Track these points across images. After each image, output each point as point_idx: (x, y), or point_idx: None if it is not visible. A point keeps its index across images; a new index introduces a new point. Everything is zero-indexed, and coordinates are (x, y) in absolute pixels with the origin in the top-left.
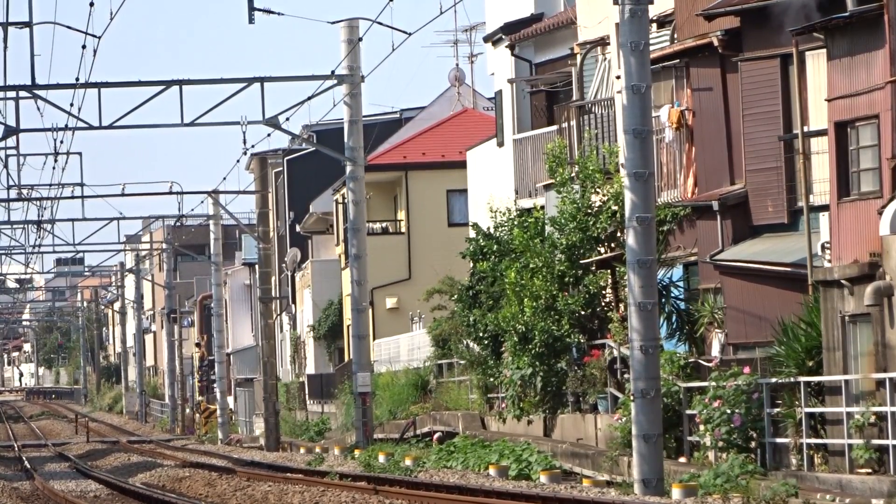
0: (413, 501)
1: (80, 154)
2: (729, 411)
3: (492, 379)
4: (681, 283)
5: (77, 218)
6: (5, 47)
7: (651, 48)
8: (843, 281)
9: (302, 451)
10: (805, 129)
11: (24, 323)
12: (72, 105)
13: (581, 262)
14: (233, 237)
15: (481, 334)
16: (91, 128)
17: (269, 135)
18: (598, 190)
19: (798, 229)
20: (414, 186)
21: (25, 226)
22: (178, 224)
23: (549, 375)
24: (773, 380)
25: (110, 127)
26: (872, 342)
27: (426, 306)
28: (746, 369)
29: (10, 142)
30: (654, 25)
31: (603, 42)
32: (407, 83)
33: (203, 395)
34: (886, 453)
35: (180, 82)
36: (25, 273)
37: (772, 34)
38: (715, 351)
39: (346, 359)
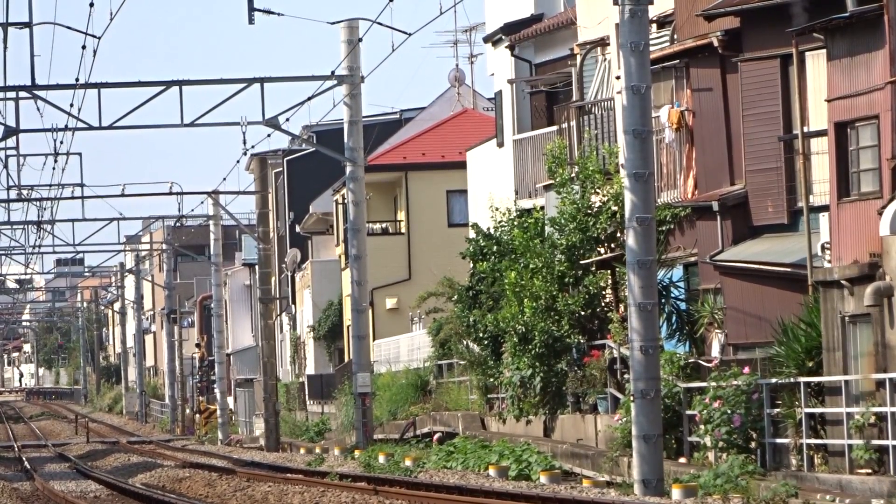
0: (413, 502)
1: (80, 154)
2: (729, 412)
3: (492, 379)
4: (681, 284)
5: (77, 218)
6: (5, 47)
7: (651, 48)
8: (843, 281)
9: (302, 451)
10: (805, 129)
11: (24, 323)
12: (72, 105)
13: (581, 262)
14: (233, 237)
15: (481, 335)
16: (91, 128)
17: (269, 135)
18: (597, 190)
19: (798, 230)
20: (414, 187)
21: (25, 226)
22: (178, 224)
23: (549, 376)
24: (773, 380)
25: (110, 127)
26: (872, 342)
27: (423, 308)
28: (746, 370)
29: (10, 142)
30: (654, 26)
31: (603, 42)
32: (407, 83)
33: (203, 395)
34: (886, 454)
35: (180, 83)
36: (25, 273)
37: (772, 34)
38: (715, 351)
39: (346, 359)
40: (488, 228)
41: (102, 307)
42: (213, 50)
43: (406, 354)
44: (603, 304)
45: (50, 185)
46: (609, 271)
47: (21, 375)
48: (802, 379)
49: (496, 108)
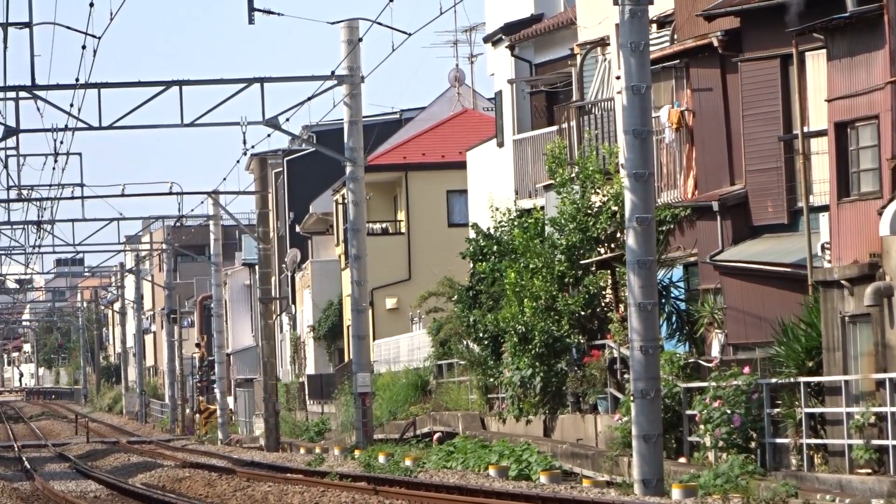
0: (413, 502)
1: (80, 154)
2: (729, 411)
3: (492, 379)
4: (681, 284)
5: (77, 218)
6: (5, 47)
7: (651, 48)
8: (843, 281)
9: (302, 451)
10: (805, 129)
11: (24, 323)
12: (72, 105)
13: (581, 262)
14: (233, 237)
15: (481, 335)
16: (91, 128)
17: (269, 135)
18: (597, 190)
19: (798, 229)
20: (414, 187)
21: (25, 226)
22: (178, 224)
23: (549, 376)
24: (773, 380)
25: (110, 127)
26: (872, 342)
27: (424, 307)
28: (746, 369)
29: (10, 142)
30: (654, 26)
31: (603, 42)
32: (407, 83)
33: (203, 395)
34: (886, 453)
35: (180, 82)
36: (25, 273)
37: (772, 34)
38: (715, 351)
39: (346, 359)
40: (488, 228)
41: (102, 307)
42: (213, 50)
43: (406, 354)
44: (603, 304)
45: (50, 185)
46: (609, 271)
47: (21, 375)
48: (802, 379)
49: (496, 108)
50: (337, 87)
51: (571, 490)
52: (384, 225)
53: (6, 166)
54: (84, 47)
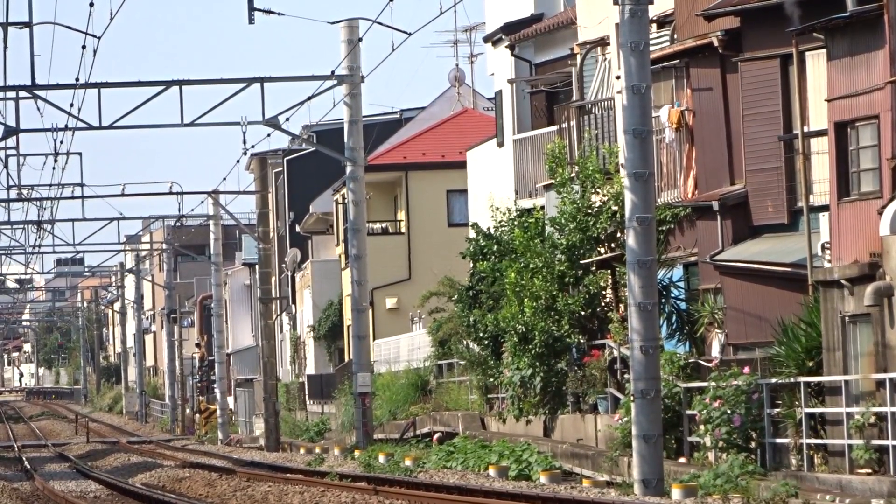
0: (413, 502)
1: (80, 154)
2: (729, 411)
3: (492, 379)
4: (681, 284)
5: (77, 218)
6: (5, 47)
7: (651, 48)
8: (843, 281)
9: (302, 451)
10: (805, 129)
11: (24, 323)
12: (72, 105)
13: (581, 262)
14: (233, 237)
15: (481, 335)
16: (91, 128)
17: (269, 135)
18: (598, 190)
19: (798, 229)
20: (414, 186)
21: (25, 226)
22: (178, 224)
23: (549, 376)
24: (773, 380)
25: (110, 127)
26: (872, 342)
27: (425, 308)
28: (746, 369)
29: (10, 142)
30: (654, 25)
31: (603, 42)
32: (407, 83)
33: (203, 395)
34: (886, 454)
35: (180, 82)
36: (25, 273)
37: (772, 34)
38: (715, 351)
39: (346, 359)
40: (488, 228)
41: (102, 307)
42: (213, 50)
43: (406, 354)
44: (603, 304)
45: (50, 185)
46: (609, 271)
47: (21, 375)
48: (802, 379)
49: (496, 107)
50: (337, 86)
51: (571, 490)
52: (384, 225)
53: (6, 166)
54: (84, 47)
